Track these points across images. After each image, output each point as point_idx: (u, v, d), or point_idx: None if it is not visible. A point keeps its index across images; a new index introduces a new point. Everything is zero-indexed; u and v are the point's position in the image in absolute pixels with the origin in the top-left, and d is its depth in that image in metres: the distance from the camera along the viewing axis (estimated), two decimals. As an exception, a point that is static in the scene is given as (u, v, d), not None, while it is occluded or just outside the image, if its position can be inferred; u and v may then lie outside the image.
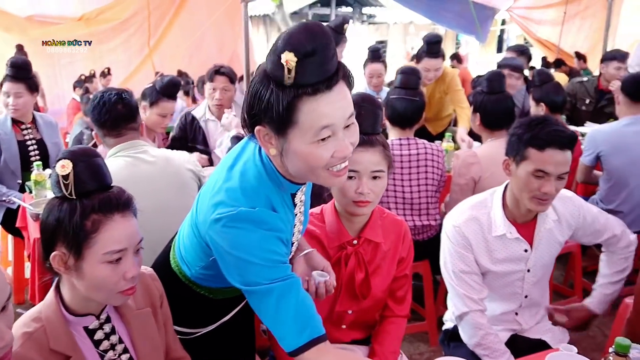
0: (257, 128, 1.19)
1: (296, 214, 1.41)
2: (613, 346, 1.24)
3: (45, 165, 3.21)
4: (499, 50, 18.59)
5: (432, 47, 4.04)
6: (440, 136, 4.03)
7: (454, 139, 3.73)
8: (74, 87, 6.55)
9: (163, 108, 3.14)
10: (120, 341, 1.31)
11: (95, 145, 2.42)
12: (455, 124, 4.38)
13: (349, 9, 19.04)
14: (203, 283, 1.50)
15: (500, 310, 1.98)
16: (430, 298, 2.88)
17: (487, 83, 2.86)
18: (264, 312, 1.24)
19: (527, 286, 1.94)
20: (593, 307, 2.01)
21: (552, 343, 1.95)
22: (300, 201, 1.42)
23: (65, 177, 1.17)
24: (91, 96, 4.82)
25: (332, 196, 1.75)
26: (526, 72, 4.61)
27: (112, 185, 1.26)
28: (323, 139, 1.15)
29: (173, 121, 3.81)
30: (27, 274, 3.14)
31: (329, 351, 1.26)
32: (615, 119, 3.29)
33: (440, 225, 2.72)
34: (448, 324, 2.09)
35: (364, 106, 1.59)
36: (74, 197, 1.19)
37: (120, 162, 2.16)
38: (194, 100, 6.48)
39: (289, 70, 1.08)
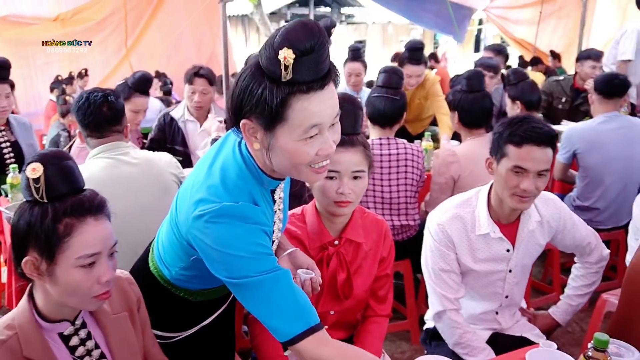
0: (243, 122, 1.17)
1: (275, 211, 1.40)
2: (592, 341, 1.25)
3: (21, 167, 3.14)
4: (477, 49, 18.78)
5: (414, 53, 4.06)
6: (420, 137, 4.04)
7: (433, 138, 3.74)
8: (52, 89, 6.43)
9: (136, 104, 3.12)
10: (97, 347, 1.29)
11: (70, 148, 2.39)
12: (435, 123, 4.41)
13: (328, 9, 19.09)
14: (183, 285, 1.48)
15: (481, 309, 2.00)
16: (411, 297, 2.88)
17: (466, 82, 2.88)
18: (255, 304, 1.23)
19: (508, 286, 1.96)
20: (557, 317, 2.08)
21: (533, 339, 1.96)
22: (280, 198, 1.42)
23: (36, 180, 1.15)
24: (67, 97, 4.77)
25: (312, 197, 1.75)
26: (504, 72, 4.65)
27: (85, 188, 1.23)
28: (311, 137, 1.16)
29: (151, 122, 3.78)
30: (4, 278, 3.07)
31: (328, 343, 1.24)
32: (591, 117, 3.34)
33: (420, 225, 2.74)
34: (429, 323, 2.09)
35: (345, 106, 1.58)
36: (45, 201, 1.16)
37: (101, 163, 2.14)
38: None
39: (286, 67, 1.07)
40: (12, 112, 3.69)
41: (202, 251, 1.25)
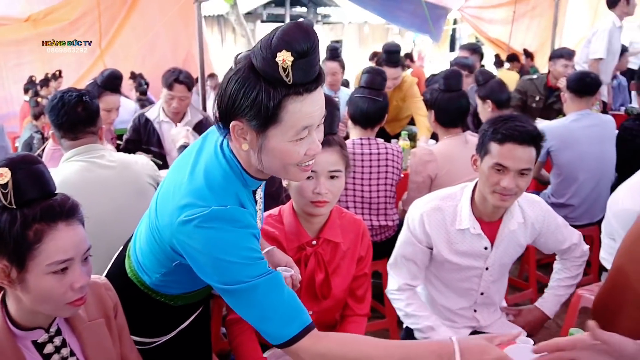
0: (233, 123, 1.16)
1: (257, 211, 1.40)
2: (567, 337, 1.27)
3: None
4: (452, 49, 18.92)
5: (391, 56, 4.08)
6: (398, 136, 4.06)
7: (410, 137, 3.76)
8: (26, 90, 6.30)
9: (107, 102, 3.07)
10: (72, 354, 1.26)
11: (44, 150, 2.33)
12: (412, 122, 4.43)
13: (304, 9, 19.06)
14: (163, 290, 1.47)
15: (458, 305, 2.02)
16: (390, 295, 2.89)
17: (444, 81, 2.88)
18: (248, 310, 1.21)
19: (484, 284, 1.98)
20: (545, 309, 2.08)
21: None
22: (260, 198, 1.42)
23: (4, 186, 1.11)
24: (39, 99, 4.69)
25: (289, 197, 1.74)
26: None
27: (56, 192, 1.20)
28: (301, 138, 1.16)
29: (126, 123, 3.73)
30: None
31: (323, 337, 1.23)
32: (564, 115, 3.39)
33: (398, 225, 2.75)
34: (408, 321, 2.11)
35: (323, 106, 1.59)
36: (14, 207, 1.13)
37: (75, 166, 2.09)
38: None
39: (284, 69, 1.06)
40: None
41: (191, 257, 1.23)
